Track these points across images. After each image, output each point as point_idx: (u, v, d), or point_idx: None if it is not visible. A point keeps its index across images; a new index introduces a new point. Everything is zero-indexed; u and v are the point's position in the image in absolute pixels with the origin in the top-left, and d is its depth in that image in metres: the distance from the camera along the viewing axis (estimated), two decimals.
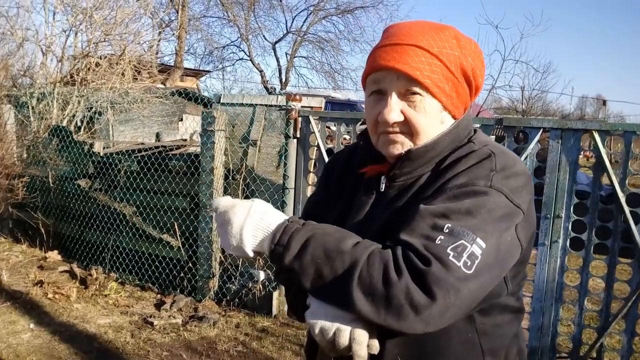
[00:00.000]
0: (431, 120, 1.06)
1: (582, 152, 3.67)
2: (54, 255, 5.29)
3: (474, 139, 1.11)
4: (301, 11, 20.97)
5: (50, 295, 4.31)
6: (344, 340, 0.92)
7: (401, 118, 1.05)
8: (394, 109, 1.05)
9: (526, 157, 3.37)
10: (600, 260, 3.35)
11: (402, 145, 1.08)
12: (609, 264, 3.22)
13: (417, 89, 1.04)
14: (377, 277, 0.89)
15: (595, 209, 3.23)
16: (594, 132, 3.21)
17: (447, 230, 0.92)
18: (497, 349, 1.09)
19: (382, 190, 1.13)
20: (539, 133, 3.36)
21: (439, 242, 0.90)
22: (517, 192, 0.99)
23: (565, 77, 66.13)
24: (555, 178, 3.29)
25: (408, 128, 1.06)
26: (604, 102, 31.65)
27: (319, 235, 0.98)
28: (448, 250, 0.89)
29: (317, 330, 0.95)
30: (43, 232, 5.34)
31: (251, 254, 1.04)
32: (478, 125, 3.68)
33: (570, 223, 3.27)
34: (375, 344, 0.95)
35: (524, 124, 3.57)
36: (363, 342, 0.92)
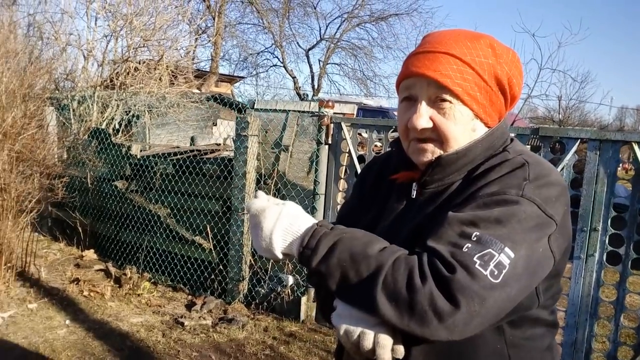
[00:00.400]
0: (461, 127, 1.06)
1: (620, 165, 3.57)
2: (90, 254, 5.43)
3: (509, 147, 1.09)
4: (335, 18, 21.10)
5: (85, 293, 4.43)
6: (367, 343, 0.93)
7: (430, 124, 1.06)
8: (423, 115, 1.05)
9: (562, 168, 3.31)
10: (638, 275, 3.26)
11: (431, 153, 1.08)
12: None
13: (447, 96, 1.04)
14: (402, 282, 0.89)
15: (634, 222, 3.15)
16: (633, 143, 3.13)
17: (474, 239, 0.91)
18: None
19: (414, 196, 1.13)
20: (576, 144, 3.29)
21: (466, 249, 0.90)
22: (550, 203, 0.97)
23: (604, 87, 64.56)
24: (592, 190, 3.21)
25: (437, 135, 1.07)
26: None
27: (346, 239, 0.99)
28: (475, 259, 0.88)
29: (342, 332, 0.96)
30: (80, 231, 5.50)
31: (280, 256, 1.06)
32: (513, 135, 3.63)
33: (608, 236, 3.19)
34: (401, 349, 0.94)
35: (561, 134, 3.50)
36: (387, 346, 0.93)
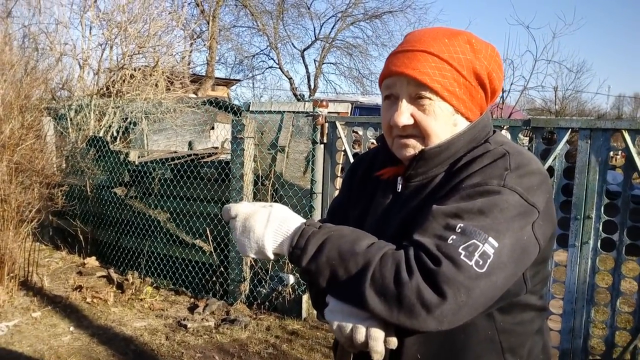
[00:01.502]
0: (442, 123, 1.09)
1: (619, 153, 3.60)
2: (92, 261, 5.48)
3: (491, 139, 1.12)
4: (329, 18, 21.12)
5: (88, 300, 4.47)
6: (360, 337, 0.96)
7: (411, 121, 1.09)
8: (404, 113, 1.09)
9: (555, 158, 3.34)
10: (633, 261, 3.29)
11: (414, 148, 1.11)
12: None
13: (426, 93, 1.07)
14: (389, 277, 0.92)
15: (627, 209, 3.18)
16: (623, 131, 3.16)
17: (459, 230, 0.93)
18: (518, 347, 1.09)
19: (399, 190, 1.16)
20: (568, 133, 3.33)
21: (451, 241, 0.92)
22: (532, 191, 1.00)
23: (600, 77, 64.26)
24: (584, 178, 3.25)
25: (419, 131, 1.10)
26: None
27: (334, 237, 1.01)
28: (460, 250, 0.91)
29: (335, 327, 0.99)
30: (81, 239, 5.54)
31: (272, 257, 1.09)
32: (506, 127, 3.67)
33: (601, 224, 3.23)
34: (394, 341, 0.97)
35: (552, 124, 3.54)
36: (379, 338, 0.95)
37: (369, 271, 0.93)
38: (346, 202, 1.33)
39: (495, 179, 1.00)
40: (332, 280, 0.99)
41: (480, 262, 0.90)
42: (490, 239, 0.92)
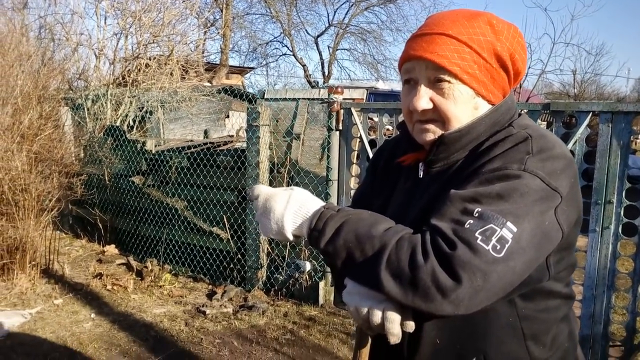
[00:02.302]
0: (462, 106, 1.07)
1: (639, 136, 3.54)
2: (111, 249, 5.55)
3: (515, 122, 1.09)
4: (343, 3, 20.98)
5: (109, 287, 4.54)
6: (376, 319, 0.96)
7: (430, 105, 1.07)
8: (423, 97, 1.07)
9: (575, 142, 3.29)
10: None
11: (433, 133, 1.09)
12: None
13: (445, 77, 1.05)
14: (405, 261, 0.91)
15: None
16: None
17: (476, 215, 0.92)
18: (541, 334, 1.08)
19: (421, 176, 1.15)
20: (588, 117, 3.26)
21: (468, 226, 0.91)
22: (554, 175, 0.97)
23: (620, 59, 62.78)
24: (605, 163, 3.19)
25: (438, 115, 1.08)
26: None
27: (352, 220, 1.01)
28: (476, 234, 0.89)
29: (352, 309, 1.00)
30: (101, 227, 5.62)
31: (291, 237, 1.10)
32: (525, 111, 3.61)
33: (622, 208, 3.17)
34: (411, 324, 0.97)
35: (573, 108, 3.48)
36: (395, 320, 0.95)
37: (385, 254, 0.93)
38: (369, 191, 1.32)
39: (516, 163, 0.97)
40: (348, 262, 0.99)
41: (498, 247, 0.88)
42: (509, 224, 0.90)
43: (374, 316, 0.96)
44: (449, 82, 1.05)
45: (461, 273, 0.87)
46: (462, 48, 1.04)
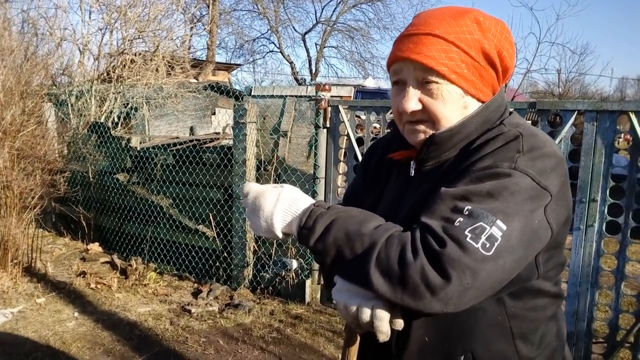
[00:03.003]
0: (451, 106, 1.06)
1: (622, 135, 3.57)
2: (95, 247, 5.49)
3: (506, 121, 1.09)
4: (330, 1, 20.95)
5: (92, 286, 4.48)
6: (365, 317, 0.95)
7: (419, 107, 1.07)
8: (412, 99, 1.07)
9: (560, 141, 3.31)
10: (638, 244, 3.27)
11: (424, 133, 1.09)
12: None
13: (433, 77, 1.05)
14: (394, 258, 0.91)
15: (632, 192, 3.15)
16: (630, 113, 3.12)
17: (466, 213, 0.92)
18: (530, 333, 1.08)
19: (412, 174, 1.15)
20: (574, 116, 3.29)
21: (458, 224, 0.91)
22: (544, 174, 0.97)
23: (604, 59, 63.67)
24: (590, 161, 3.22)
25: (428, 116, 1.08)
26: None
27: (341, 218, 1.01)
28: (466, 232, 0.89)
29: (341, 307, 1.00)
30: (84, 225, 5.55)
31: (281, 235, 1.09)
32: (511, 109, 3.63)
33: (606, 207, 3.20)
34: (400, 322, 0.96)
35: (558, 106, 3.50)
36: (384, 318, 0.95)
37: (374, 251, 0.93)
38: (361, 189, 1.32)
39: (507, 162, 0.97)
40: (338, 260, 0.99)
41: (487, 245, 0.88)
42: (499, 222, 0.90)
43: (363, 314, 0.96)
44: (437, 82, 1.05)
45: (450, 271, 0.87)
46: (450, 47, 1.04)
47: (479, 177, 0.97)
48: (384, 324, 0.95)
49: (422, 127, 1.09)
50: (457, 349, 1.06)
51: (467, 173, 1.00)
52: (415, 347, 1.08)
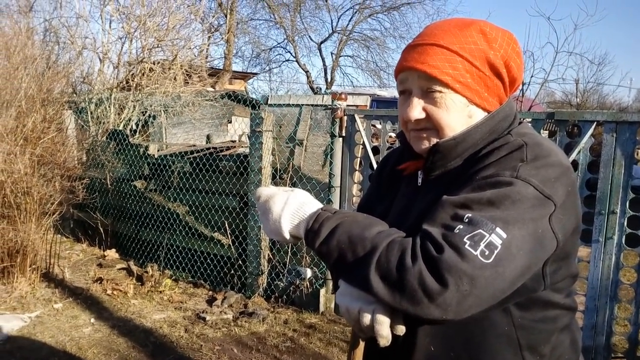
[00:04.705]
0: (455, 115, 1.08)
1: None
2: (112, 254, 5.54)
3: (514, 131, 1.09)
4: (346, 10, 21.07)
5: (109, 292, 4.52)
6: (366, 320, 0.96)
7: (422, 115, 1.09)
8: (416, 107, 1.09)
9: (579, 152, 3.28)
10: None
11: (428, 141, 1.11)
12: None
13: (437, 87, 1.06)
14: (393, 263, 0.92)
15: None
16: None
17: (466, 220, 0.92)
18: (539, 345, 1.06)
19: (420, 184, 1.17)
20: (593, 126, 3.26)
21: (457, 231, 0.91)
22: (548, 183, 0.97)
23: (622, 69, 62.73)
24: (609, 173, 3.18)
25: (432, 124, 1.09)
26: None
27: (346, 222, 1.03)
28: (465, 239, 0.89)
29: (343, 310, 1.01)
30: (102, 231, 5.61)
31: (288, 237, 1.12)
32: (529, 119, 3.60)
33: (626, 219, 3.16)
34: (401, 328, 0.97)
35: (577, 117, 3.47)
36: (384, 322, 0.95)
37: (375, 256, 0.94)
38: (374, 198, 1.34)
39: (509, 170, 0.97)
40: (341, 263, 1.00)
41: (487, 252, 0.88)
42: (498, 230, 0.90)
43: (364, 318, 0.97)
44: (440, 91, 1.06)
45: (447, 277, 0.87)
46: (454, 57, 1.06)
47: (480, 185, 0.98)
48: (384, 329, 0.96)
49: (427, 134, 1.11)
50: (463, 359, 1.06)
51: (470, 181, 1.00)
52: (421, 355, 1.08)
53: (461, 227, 0.91)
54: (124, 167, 5.75)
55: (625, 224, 3.16)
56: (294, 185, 4.60)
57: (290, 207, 1.11)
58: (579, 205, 1.05)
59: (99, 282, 4.69)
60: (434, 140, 1.10)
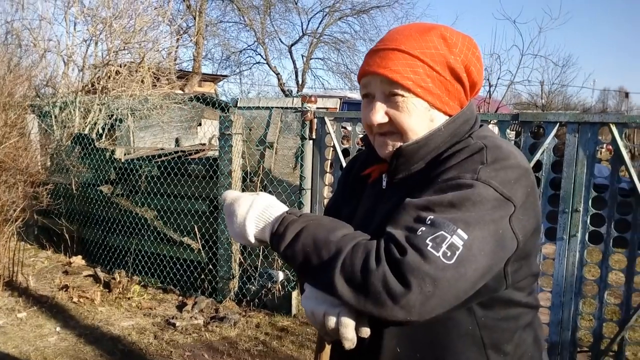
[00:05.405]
0: (417, 119, 1.09)
1: (604, 146, 3.63)
2: (78, 260, 5.41)
3: (474, 134, 1.11)
4: (316, 13, 21.08)
5: (75, 299, 4.41)
6: (331, 324, 0.97)
7: (385, 119, 1.10)
8: (378, 111, 1.10)
9: (543, 152, 3.35)
10: (620, 253, 3.31)
11: (392, 145, 1.13)
12: (628, 257, 3.19)
13: (399, 91, 1.08)
14: (358, 265, 0.92)
15: (614, 202, 3.20)
16: (611, 124, 3.17)
17: (428, 222, 0.93)
18: (501, 343, 1.08)
19: (384, 187, 1.18)
20: (556, 127, 3.33)
21: (420, 233, 0.92)
22: (508, 185, 0.98)
23: (585, 71, 64.56)
24: (572, 172, 3.26)
25: (395, 128, 1.11)
26: (627, 95, 31.00)
27: (311, 226, 1.03)
28: (427, 241, 0.90)
29: (308, 313, 1.01)
30: (67, 237, 5.47)
31: (253, 241, 1.11)
32: (494, 121, 3.67)
33: (589, 217, 3.24)
34: (366, 330, 0.98)
35: (541, 118, 3.54)
36: (349, 325, 0.96)
37: (339, 258, 0.94)
38: (341, 200, 1.35)
39: (469, 173, 0.99)
40: (306, 266, 1.00)
41: (449, 254, 0.89)
42: (459, 231, 0.91)
43: (329, 321, 0.97)
44: (402, 95, 1.08)
45: (410, 278, 0.87)
46: (415, 62, 1.07)
47: (442, 188, 0.99)
48: (349, 331, 0.96)
49: (390, 138, 1.12)
50: None
51: (432, 184, 1.02)
52: (388, 357, 1.09)
53: (423, 229, 0.92)
54: (89, 171, 5.63)
55: (589, 221, 3.24)
56: (264, 188, 4.58)
57: (255, 211, 1.10)
58: (539, 205, 1.07)
59: (64, 289, 4.57)
60: (398, 144, 1.12)
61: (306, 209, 4.19)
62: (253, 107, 4.87)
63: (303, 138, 4.23)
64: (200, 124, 8.97)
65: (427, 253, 0.89)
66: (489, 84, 8.68)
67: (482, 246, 0.93)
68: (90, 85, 7.23)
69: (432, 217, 0.94)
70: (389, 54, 1.09)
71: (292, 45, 21.39)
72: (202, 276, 4.64)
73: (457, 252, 0.90)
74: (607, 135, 3.31)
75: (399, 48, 1.08)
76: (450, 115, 1.12)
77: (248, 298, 4.39)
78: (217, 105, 8.93)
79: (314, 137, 4.19)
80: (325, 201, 4.29)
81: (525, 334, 1.13)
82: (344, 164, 4.08)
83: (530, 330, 1.14)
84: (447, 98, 1.11)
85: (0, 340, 3.68)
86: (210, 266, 4.62)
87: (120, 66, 7.26)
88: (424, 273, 0.87)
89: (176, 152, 6.28)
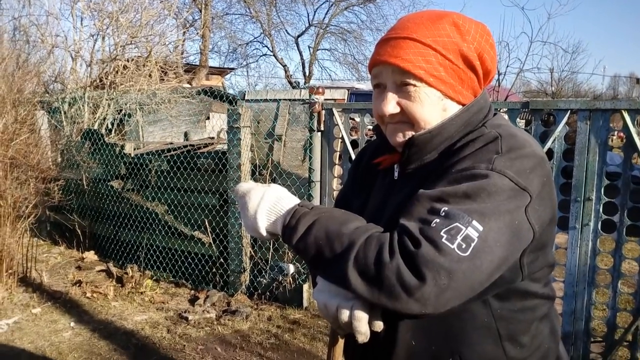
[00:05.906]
0: (430, 108, 1.07)
1: (616, 133, 3.58)
2: (90, 256, 5.45)
3: (488, 122, 1.09)
4: (322, 3, 20.99)
5: (88, 295, 4.45)
6: (344, 317, 0.96)
7: (397, 110, 1.09)
8: (390, 101, 1.09)
9: (554, 140, 3.31)
10: (634, 241, 3.27)
11: (404, 135, 1.11)
12: None
13: (410, 80, 1.06)
14: (371, 258, 0.91)
15: (627, 190, 3.16)
16: (623, 111, 3.13)
17: (443, 214, 0.92)
18: (517, 334, 1.07)
19: (396, 178, 1.17)
20: (567, 115, 3.29)
21: (434, 225, 0.90)
22: (523, 174, 0.97)
23: (595, 57, 63.68)
24: (584, 160, 3.22)
25: (407, 118, 1.09)
26: (638, 81, 30.56)
27: (323, 218, 1.02)
28: (442, 233, 0.89)
29: (321, 306, 1.01)
30: (79, 233, 5.51)
31: (265, 234, 1.10)
32: (505, 109, 3.63)
33: (602, 205, 3.21)
34: (379, 324, 0.97)
35: (551, 106, 3.50)
36: (362, 319, 0.95)
37: (352, 251, 0.93)
38: (350, 193, 1.34)
39: (484, 163, 0.97)
40: (318, 259, 0.99)
41: (463, 246, 0.88)
42: (475, 222, 0.90)
43: (342, 314, 0.96)
44: (414, 85, 1.06)
45: (425, 271, 0.86)
46: (427, 51, 1.05)
47: (456, 178, 0.98)
48: (363, 325, 0.96)
49: (402, 128, 1.11)
50: (444, 352, 1.06)
51: (446, 175, 1.00)
52: (403, 350, 1.09)
53: (438, 220, 0.91)
54: (100, 167, 5.65)
55: (601, 210, 3.21)
56: (273, 180, 4.57)
57: (266, 203, 1.09)
58: (555, 195, 1.05)
59: (78, 285, 4.62)
60: (410, 134, 1.10)
61: (315, 201, 4.19)
62: (261, 99, 4.84)
63: (311, 130, 4.21)
64: (208, 118, 8.97)
65: (441, 245, 0.88)
66: (498, 72, 8.61)
67: (498, 237, 0.91)
68: (98, 81, 7.24)
69: (446, 208, 0.92)
70: (400, 42, 1.07)
71: (298, 36, 21.35)
72: (214, 270, 4.66)
73: (472, 244, 0.89)
74: (619, 123, 3.27)
75: (411, 36, 1.06)
76: (463, 105, 1.10)
77: (259, 291, 4.41)
78: (225, 98, 8.93)
79: (322, 129, 4.18)
80: (335, 193, 4.28)
81: (541, 325, 1.12)
82: (353, 156, 4.07)
83: (546, 321, 1.13)
84: (460, 87, 1.09)
85: (16, 336, 3.72)
86: (222, 260, 4.64)
87: (128, 61, 7.26)
88: (439, 265, 0.87)
89: (185, 146, 6.30)
